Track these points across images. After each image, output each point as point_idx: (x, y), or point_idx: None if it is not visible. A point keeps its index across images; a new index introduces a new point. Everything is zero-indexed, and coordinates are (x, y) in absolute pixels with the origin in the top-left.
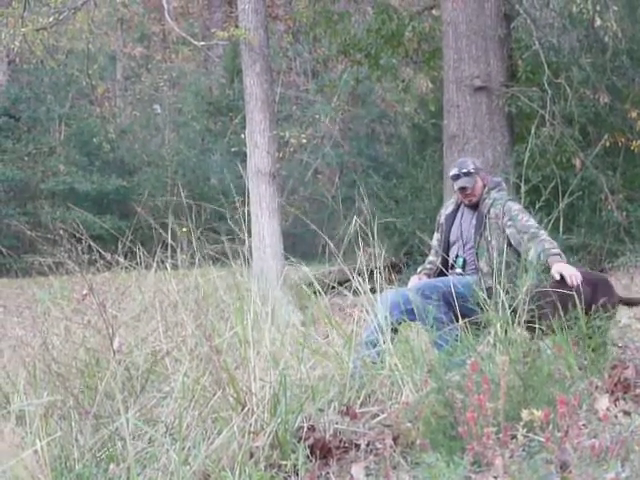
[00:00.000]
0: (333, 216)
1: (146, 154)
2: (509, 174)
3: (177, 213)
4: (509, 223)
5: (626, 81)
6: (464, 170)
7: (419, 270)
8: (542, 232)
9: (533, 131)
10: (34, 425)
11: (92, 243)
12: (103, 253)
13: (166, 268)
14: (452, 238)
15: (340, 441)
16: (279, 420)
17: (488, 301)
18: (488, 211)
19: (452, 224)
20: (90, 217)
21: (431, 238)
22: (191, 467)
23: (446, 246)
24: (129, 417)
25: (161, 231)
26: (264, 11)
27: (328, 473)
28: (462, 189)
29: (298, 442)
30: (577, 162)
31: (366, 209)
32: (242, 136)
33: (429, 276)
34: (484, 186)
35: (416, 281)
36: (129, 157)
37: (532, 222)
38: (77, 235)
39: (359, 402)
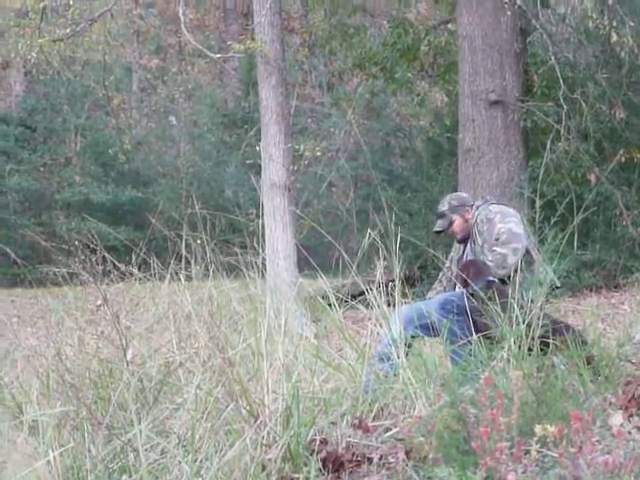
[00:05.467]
0: (347, 229)
1: (161, 165)
2: (524, 189)
3: (191, 225)
4: (485, 228)
5: None
6: (438, 212)
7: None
8: (502, 240)
9: (548, 146)
10: (47, 435)
11: (106, 254)
12: (117, 264)
13: (180, 279)
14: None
15: (352, 455)
16: (291, 433)
17: (502, 315)
18: (476, 221)
19: (463, 252)
20: (105, 228)
21: (445, 252)
22: (203, 479)
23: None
24: (142, 428)
25: (176, 242)
26: (280, 24)
27: None
28: (438, 232)
29: (310, 455)
30: (592, 177)
31: (380, 222)
32: (257, 148)
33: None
34: (466, 220)
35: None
36: (144, 168)
37: (505, 225)
38: (92, 246)
39: (372, 416)
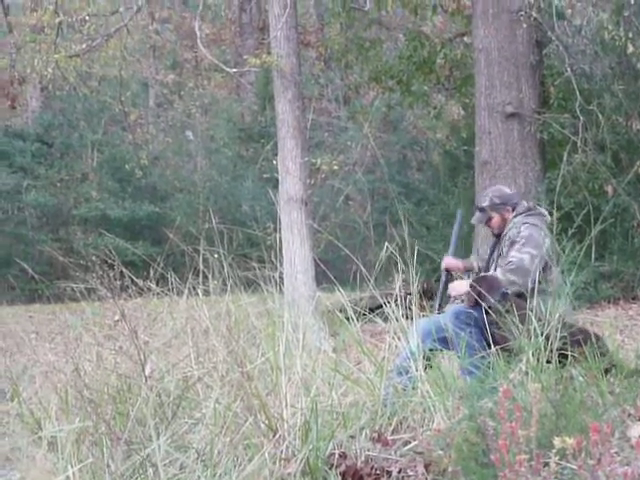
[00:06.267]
0: (365, 242)
1: (178, 180)
2: (541, 201)
3: (209, 239)
4: (506, 250)
5: None
6: (478, 205)
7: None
8: (507, 267)
9: (565, 158)
10: (66, 451)
11: (124, 269)
12: (135, 279)
13: (198, 294)
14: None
15: (372, 468)
16: (310, 447)
17: (520, 327)
18: (506, 234)
19: (494, 249)
20: (122, 243)
21: (462, 265)
22: None
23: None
24: (160, 443)
25: (193, 257)
26: (296, 38)
27: None
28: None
29: (329, 469)
30: (609, 189)
31: (397, 235)
32: (274, 163)
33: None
34: (505, 219)
35: (451, 260)
36: (161, 183)
37: (519, 255)
38: (109, 261)
39: (391, 429)
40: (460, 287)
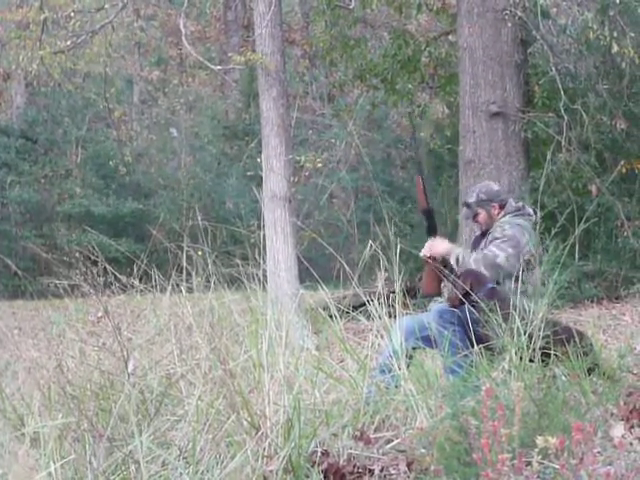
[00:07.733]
0: (348, 240)
1: (162, 177)
2: (525, 200)
3: (192, 236)
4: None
5: None
6: (465, 201)
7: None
8: (480, 257)
9: (549, 157)
10: (48, 447)
11: (107, 266)
12: (118, 276)
13: (181, 291)
14: None
15: (354, 466)
16: (293, 444)
17: (504, 326)
18: (491, 233)
19: (476, 246)
20: (106, 240)
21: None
22: None
23: None
24: (143, 440)
25: (177, 254)
26: (281, 36)
27: None
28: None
29: (312, 467)
30: (593, 188)
31: (381, 233)
32: (258, 160)
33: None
34: (491, 216)
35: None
36: (145, 180)
37: (496, 250)
38: (93, 258)
39: (373, 427)
40: (438, 247)
